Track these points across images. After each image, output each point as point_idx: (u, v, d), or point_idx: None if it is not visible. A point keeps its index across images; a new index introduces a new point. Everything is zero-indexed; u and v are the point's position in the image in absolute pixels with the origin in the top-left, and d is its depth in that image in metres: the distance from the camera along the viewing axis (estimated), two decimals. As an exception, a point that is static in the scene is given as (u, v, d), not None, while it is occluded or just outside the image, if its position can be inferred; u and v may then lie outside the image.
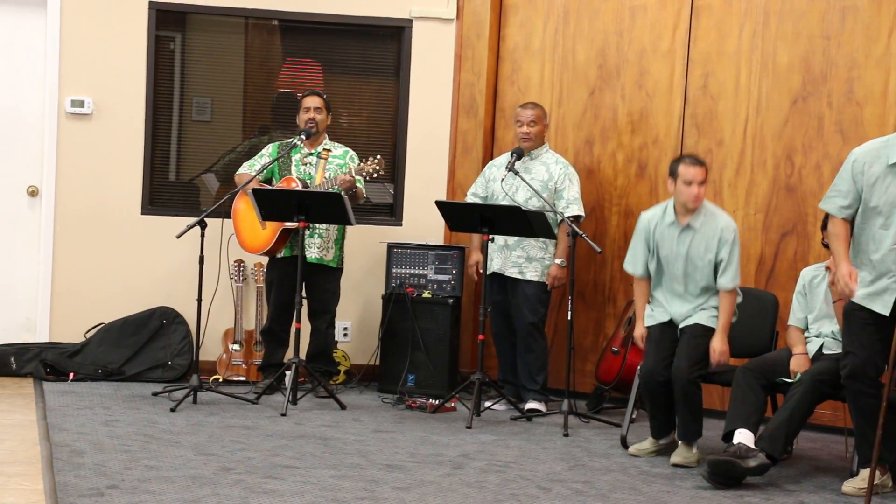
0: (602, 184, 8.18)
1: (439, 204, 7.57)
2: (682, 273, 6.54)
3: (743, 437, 6.13)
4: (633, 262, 6.73)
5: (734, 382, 6.42)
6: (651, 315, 6.69)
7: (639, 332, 6.71)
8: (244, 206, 7.74)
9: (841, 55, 7.52)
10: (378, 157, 7.65)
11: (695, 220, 6.51)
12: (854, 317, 5.85)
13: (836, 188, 5.88)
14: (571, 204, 7.63)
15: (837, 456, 6.82)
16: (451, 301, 8.01)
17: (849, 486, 5.99)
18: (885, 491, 5.96)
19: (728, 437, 6.23)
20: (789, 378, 6.39)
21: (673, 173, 6.52)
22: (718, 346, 6.45)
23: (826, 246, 6.50)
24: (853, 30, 7.49)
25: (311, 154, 7.85)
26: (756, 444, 6.10)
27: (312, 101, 7.83)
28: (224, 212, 7.72)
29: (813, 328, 6.62)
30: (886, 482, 5.99)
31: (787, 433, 6.18)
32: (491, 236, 7.40)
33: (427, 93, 8.51)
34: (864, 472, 5.89)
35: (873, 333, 5.78)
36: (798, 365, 6.41)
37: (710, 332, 6.50)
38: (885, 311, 5.73)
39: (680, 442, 6.47)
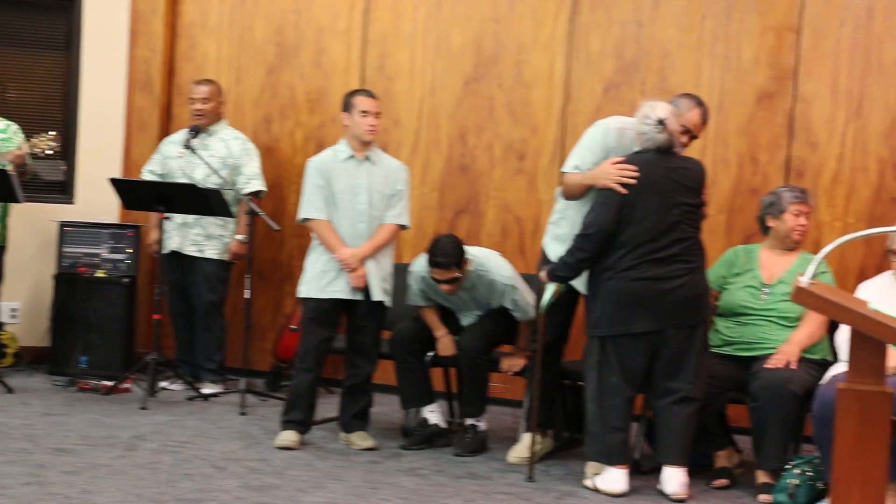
0: (281, 162, 8.17)
1: (113, 181, 7.39)
2: (365, 206, 6.30)
3: (431, 414, 6.50)
4: (315, 207, 6.31)
5: (396, 360, 6.53)
6: (318, 283, 6.37)
7: (345, 252, 6.21)
8: None
9: (510, 38, 7.76)
10: (52, 133, 7.38)
11: (372, 154, 6.38)
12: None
13: None
14: (252, 179, 7.58)
15: (506, 427, 7.04)
16: (126, 280, 7.84)
17: (513, 455, 6.24)
18: (545, 451, 6.30)
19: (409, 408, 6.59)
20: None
21: (348, 106, 6.37)
22: (355, 252, 6.25)
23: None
24: (521, 14, 7.74)
25: (-31, 130, 7.51)
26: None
27: (-28, 73, 7.50)
28: None
29: None
30: (547, 444, 6.34)
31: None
32: (167, 214, 7.28)
33: (100, 68, 8.27)
34: (527, 438, 6.16)
35: (564, 313, 6.17)
36: (445, 348, 6.51)
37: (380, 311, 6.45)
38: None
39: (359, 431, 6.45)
